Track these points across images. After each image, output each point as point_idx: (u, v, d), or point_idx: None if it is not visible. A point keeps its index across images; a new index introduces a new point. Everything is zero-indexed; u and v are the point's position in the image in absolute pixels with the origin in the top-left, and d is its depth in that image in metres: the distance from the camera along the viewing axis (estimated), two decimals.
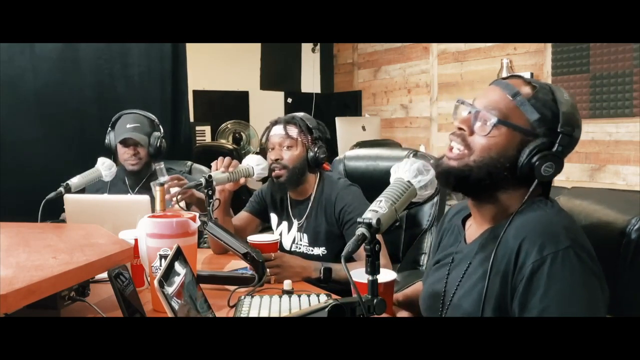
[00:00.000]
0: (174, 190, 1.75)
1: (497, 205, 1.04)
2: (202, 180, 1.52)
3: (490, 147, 0.99)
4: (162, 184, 1.75)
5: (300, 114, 1.87)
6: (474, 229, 1.11)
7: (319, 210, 1.81)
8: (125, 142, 2.26)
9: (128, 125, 2.26)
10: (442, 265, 1.16)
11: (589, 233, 1.05)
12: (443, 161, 1.04)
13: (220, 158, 1.68)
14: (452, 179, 1.02)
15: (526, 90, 1.00)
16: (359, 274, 1.01)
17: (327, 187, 1.82)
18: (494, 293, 0.96)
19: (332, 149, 4.21)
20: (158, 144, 2.29)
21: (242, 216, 1.96)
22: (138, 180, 2.33)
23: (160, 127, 2.37)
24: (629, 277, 1.02)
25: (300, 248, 1.85)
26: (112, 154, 2.28)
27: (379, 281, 0.96)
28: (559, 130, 0.97)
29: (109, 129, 2.32)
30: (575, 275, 0.89)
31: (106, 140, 2.32)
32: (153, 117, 2.37)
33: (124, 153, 2.26)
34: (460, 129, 1.03)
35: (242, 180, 1.69)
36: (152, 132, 2.30)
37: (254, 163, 1.70)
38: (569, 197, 1.21)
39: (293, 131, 1.79)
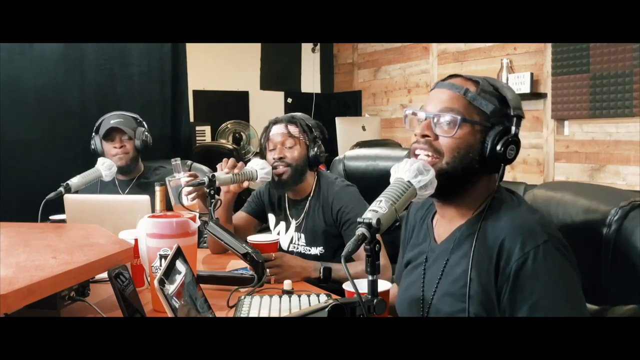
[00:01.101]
0: (188, 188, 1.74)
1: (466, 201, 1.07)
2: (206, 180, 1.52)
3: (458, 146, 1.03)
4: (162, 184, 1.76)
5: (299, 114, 1.87)
6: (444, 227, 1.12)
7: (316, 210, 1.81)
8: (109, 135, 2.23)
9: (111, 121, 2.25)
10: (415, 266, 1.16)
11: (570, 224, 1.09)
12: None
13: (225, 159, 1.67)
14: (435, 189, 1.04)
15: (472, 86, 1.05)
16: (361, 284, 1.01)
17: (325, 187, 1.82)
18: (477, 292, 0.98)
19: (332, 149, 4.22)
20: (144, 138, 2.28)
21: (240, 216, 1.96)
22: (128, 181, 2.31)
23: (144, 123, 2.36)
24: (610, 267, 1.04)
25: (297, 248, 1.85)
26: (99, 158, 2.22)
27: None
28: (512, 114, 1.04)
29: (93, 134, 2.30)
30: (557, 266, 0.95)
31: (92, 146, 2.29)
32: (136, 115, 2.35)
33: (110, 149, 2.24)
34: (424, 136, 1.05)
35: (245, 184, 1.68)
36: (136, 128, 2.29)
37: (258, 167, 1.69)
38: (546, 189, 1.24)
39: (294, 130, 1.80)
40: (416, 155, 1.05)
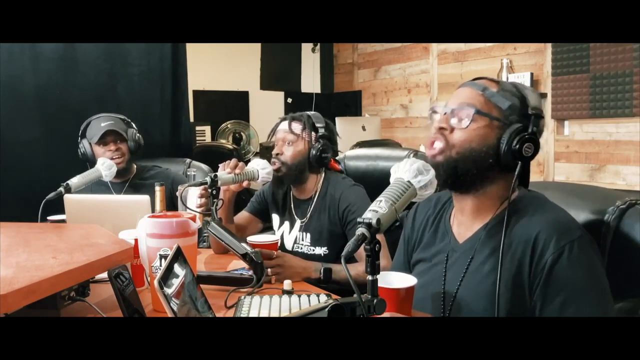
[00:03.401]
0: (201, 200, 1.72)
1: (486, 197, 1.09)
2: (208, 180, 1.52)
3: (471, 139, 1.05)
4: (162, 184, 1.76)
5: (311, 113, 1.86)
6: (465, 226, 1.13)
7: (322, 209, 1.80)
8: (104, 140, 2.18)
9: (102, 124, 2.20)
10: (433, 264, 1.17)
11: None
12: (429, 160, 1.10)
13: (228, 160, 1.68)
14: (442, 173, 1.07)
15: (492, 85, 1.09)
16: (382, 279, 1.01)
17: (332, 186, 1.82)
18: (507, 288, 1.00)
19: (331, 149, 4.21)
20: (136, 139, 2.25)
21: (243, 216, 1.96)
22: (122, 183, 2.27)
23: (133, 124, 2.33)
24: (607, 264, 1.07)
25: (301, 248, 1.85)
26: (88, 162, 2.19)
27: (400, 286, 0.99)
28: (530, 112, 1.05)
29: (79, 138, 2.23)
30: (590, 261, 0.98)
31: (80, 150, 2.22)
32: (123, 116, 2.31)
33: (104, 152, 2.18)
34: (441, 128, 1.08)
35: (245, 183, 1.68)
36: (127, 129, 2.26)
37: (259, 167, 1.69)
38: (537, 189, 1.25)
39: (297, 128, 1.79)
40: (432, 145, 1.08)
